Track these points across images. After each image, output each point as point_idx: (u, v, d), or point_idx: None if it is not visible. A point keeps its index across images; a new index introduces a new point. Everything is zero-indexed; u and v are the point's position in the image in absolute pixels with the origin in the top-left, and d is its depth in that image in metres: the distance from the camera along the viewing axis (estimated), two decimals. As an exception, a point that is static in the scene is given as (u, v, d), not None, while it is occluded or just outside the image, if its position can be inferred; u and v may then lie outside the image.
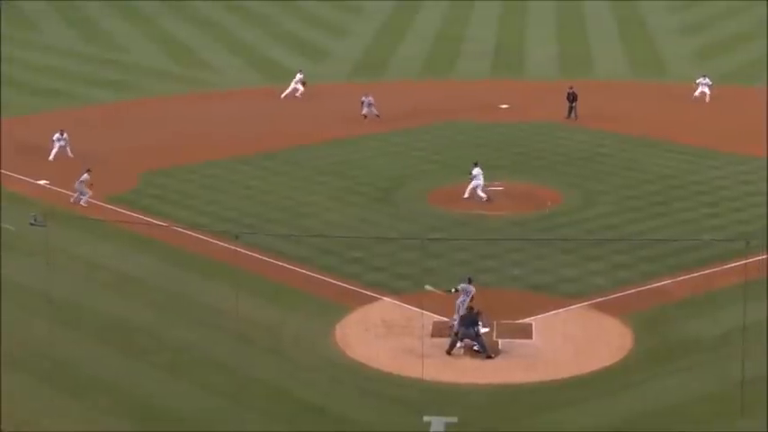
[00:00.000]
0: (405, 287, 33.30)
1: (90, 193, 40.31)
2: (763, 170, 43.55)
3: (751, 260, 30.93)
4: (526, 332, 30.29)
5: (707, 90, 53.53)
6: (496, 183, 42.71)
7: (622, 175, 43.26)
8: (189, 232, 37.48)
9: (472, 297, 29.90)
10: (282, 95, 56.68)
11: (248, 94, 58.73)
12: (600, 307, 31.67)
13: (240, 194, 42.23)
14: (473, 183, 40.47)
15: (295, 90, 56.77)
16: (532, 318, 31.02)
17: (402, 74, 63.55)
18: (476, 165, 40.88)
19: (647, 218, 38.63)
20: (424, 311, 30.49)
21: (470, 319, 28.80)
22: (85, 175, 40.43)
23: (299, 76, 57.36)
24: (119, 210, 39.66)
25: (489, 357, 28.53)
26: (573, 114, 51.14)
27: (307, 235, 36.68)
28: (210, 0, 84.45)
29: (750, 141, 47.32)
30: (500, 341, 29.78)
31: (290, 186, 43.30)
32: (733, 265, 32.64)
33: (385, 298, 32.64)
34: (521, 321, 30.83)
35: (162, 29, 76.14)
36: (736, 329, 26.96)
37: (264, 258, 35.44)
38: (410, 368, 28.09)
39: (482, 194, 40.18)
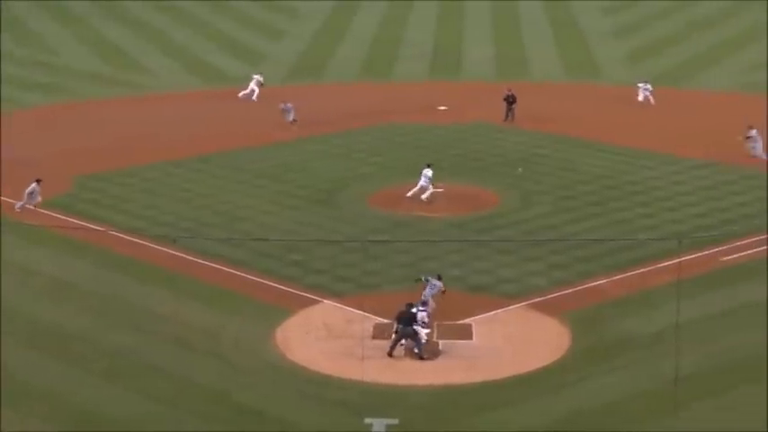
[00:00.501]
0: (345, 289, 33.39)
1: (38, 200, 39.36)
2: (695, 170, 44.54)
3: (683, 259, 31.62)
4: (466, 333, 30.58)
5: (649, 94, 54.04)
6: (437, 184, 43.01)
7: (559, 176, 43.90)
8: (126, 236, 37.12)
9: (444, 292, 30.48)
10: (240, 95, 56.12)
11: (183, 97, 58.30)
12: (538, 307, 32.11)
13: (177, 198, 41.93)
14: (421, 183, 40.43)
15: (252, 92, 56.26)
16: (472, 318, 31.32)
17: (340, 76, 63.61)
18: (428, 166, 40.79)
19: (584, 218, 39.26)
20: (365, 314, 30.62)
21: (409, 317, 28.87)
22: (34, 185, 39.43)
23: (256, 78, 56.83)
24: (53, 214, 39.11)
25: (422, 359, 28.63)
26: (510, 116, 51.66)
27: (246, 238, 36.56)
28: (142, 0, 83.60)
29: (682, 142, 48.35)
30: (440, 342, 30.01)
31: (228, 190, 43.09)
32: (666, 263, 33.35)
33: (326, 300, 32.69)
34: (461, 322, 31.09)
35: (93, 30, 75.15)
36: (670, 327, 27.56)
37: (203, 262, 35.25)
38: (351, 370, 28.19)
39: (424, 196, 40.36)
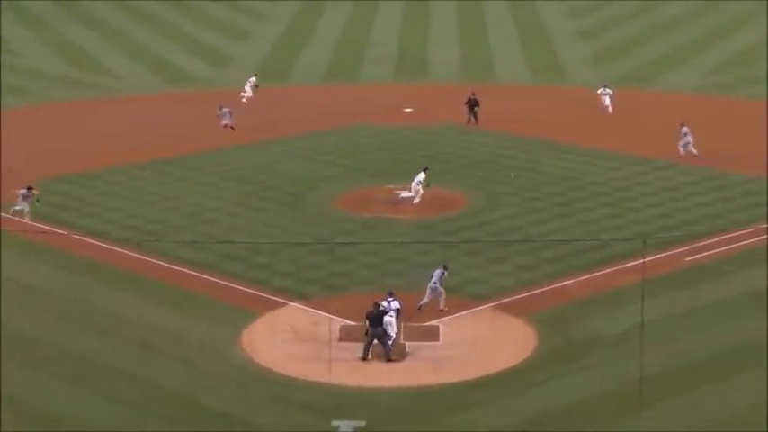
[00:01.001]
0: (312, 292, 33.37)
1: (26, 209, 38.45)
2: (659, 171, 45.00)
3: (648, 259, 31.93)
4: (433, 334, 30.65)
5: (608, 101, 53.51)
6: (402, 186, 43.11)
7: (525, 177, 44.17)
8: (90, 240, 36.87)
9: (442, 280, 30.96)
10: (243, 97, 55.77)
11: (148, 100, 58.00)
12: (505, 308, 32.29)
13: (142, 201, 41.71)
14: (415, 184, 40.18)
15: (246, 93, 55.96)
16: (439, 320, 31.41)
17: (306, 78, 63.59)
18: (424, 170, 40.57)
19: (550, 219, 39.54)
20: (331, 316, 30.63)
21: (377, 317, 28.89)
22: (24, 190, 38.70)
23: (252, 80, 56.41)
24: (16, 218, 38.73)
25: (390, 360, 28.68)
26: (473, 120, 51.69)
27: (211, 241, 36.45)
28: (106, 1, 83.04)
29: (646, 143, 48.81)
30: (407, 344, 30.06)
31: (193, 192, 42.92)
32: (631, 264, 33.67)
33: (292, 303, 32.64)
34: (428, 324, 31.16)
35: (56, 31, 74.53)
36: (635, 327, 27.83)
37: (168, 265, 35.08)
38: (318, 373, 28.18)
39: (413, 197, 39.96)
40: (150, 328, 30.61)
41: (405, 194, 40.54)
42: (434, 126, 52.24)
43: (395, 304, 29.86)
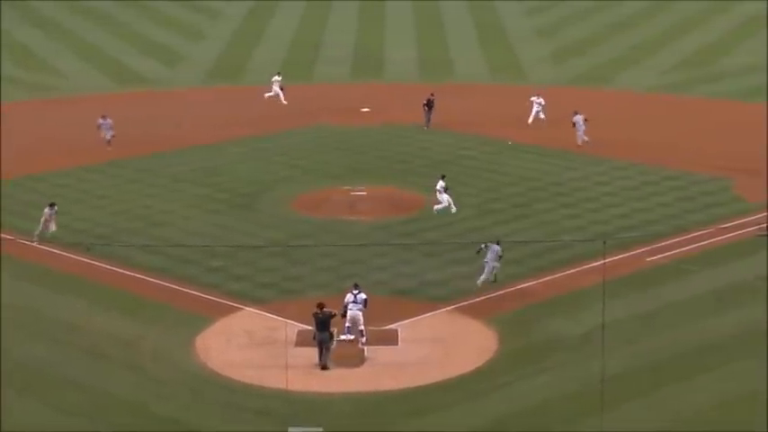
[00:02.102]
0: (268, 296, 33.10)
1: (52, 228, 35.92)
2: (618, 171, 45.25)
3: (609, 260, 32.04)
4: (392, 338, 30.52)
5: (541, 110, 50.11)
6: (360, 187, 42.97)
7: (485, 178, 44.19)
8: (37, 245, 36.22)
9: (500, 256, 32.53)
10: (266, 95, 55.17)
11: (97, 100, 57.29)
12: (465, 310, 32.23)
13: (92, 204, 41.17)
14: (439, 193, 39.23)
15: (277, 95, 55.25)
16: (398, 323, 31.29)
17: (260, 78, 63.23)
18: (442, 178, 39.69)
19: (510, 220, 39.58)
20: (287, 320, 30.36)
21: (322, 320, 28.62)
22: (47, 209, 36.25)
23: (276, 79, 55.73)
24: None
25: (324, 368, 28.41)
26: (426, 121, 51.27)
27: (164, 245, 36.05)
28: (56, 1, 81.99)
29: (605, 143, 49.07)
30: (366, 348, 29.89)
31: (145, 195, 42.47)
32: (592, 264, 33.77)
33: (247, 307, 32.34)
34: (386, 327, 31.02)
35: (2, 31, 73.38)
36: (597, 328, 27.89)
37: (119, 270, 34.64)
38: (274, 379, 27.92)
39: (447, 206, 39.18)
40: (101, 334, 30.16)
41: (438, 207, 39.31)
42: (392, 126, 52.14)
43: (361, 297, 29.81)
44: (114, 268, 34.70)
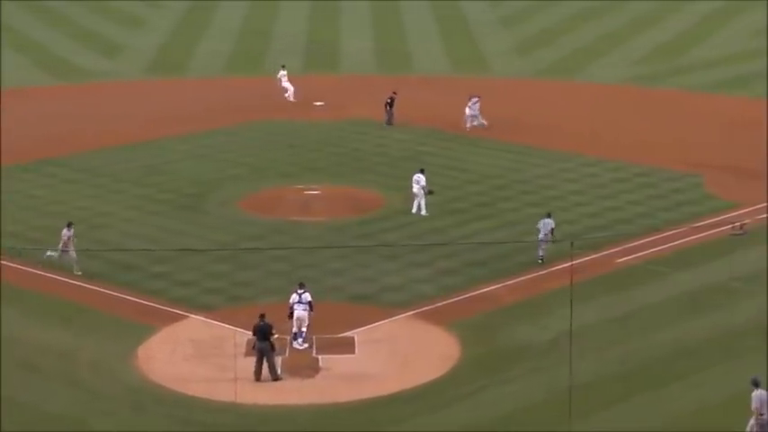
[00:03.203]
0: (215, 303, 32.98)
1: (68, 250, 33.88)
2: (587, 167, 45.64)
3: (576, 261, 32.29)
4: (348, 346, 30.50)
5: (477, 115, 49.26)
6: (313, 186, 42.94)
7: (446, 175, 44.34)
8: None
9: (552, 230, 34.58)
10: (289, 98, 54.20)
11: (32, 94, 56.67)
12: (426, 316, 32.32)
13: (24, 205, 40.76)
14: (414, 191, 39.32)
15: (285, 90, 54.50)
16: (354, 330, 31.28)
17: (205, 70, 62.98)
18: (421, 171, 39.74)
19: (473, 220, 39.76)
20: (236, 329, 30.25)
21: (263, 330, 28.48)
22: (66, 231, 34.16)
23: (283, 73, 54.92)
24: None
25: (277, 379, 28.34)
26: (388, 119, 51.22)
27: (103, 249, 35.76)
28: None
29: (573, 138, 49.49)
30: (320, 357, 29.85)
31: (82, 195, 42.17)
32: (560, 266, 34.02)
33: (193, 315, 32.21)
34: (342, 335, 31.00)
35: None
36: (565, 334, 28.08)
37: (55, 276, 34.32)
38: (222, 391, 27.81)
39: (423, 212, 39.36)
40: (34, 346, 29.81)
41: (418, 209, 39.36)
42: (348, 121, 52.15)
43: (306, 297, 29.93)
44: (49, 274, 34.34)
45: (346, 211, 40.77)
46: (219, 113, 53.50)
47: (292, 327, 30.06)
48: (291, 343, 30.10)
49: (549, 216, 35.58)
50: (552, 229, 35.22)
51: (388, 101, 50.96)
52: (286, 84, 55.00)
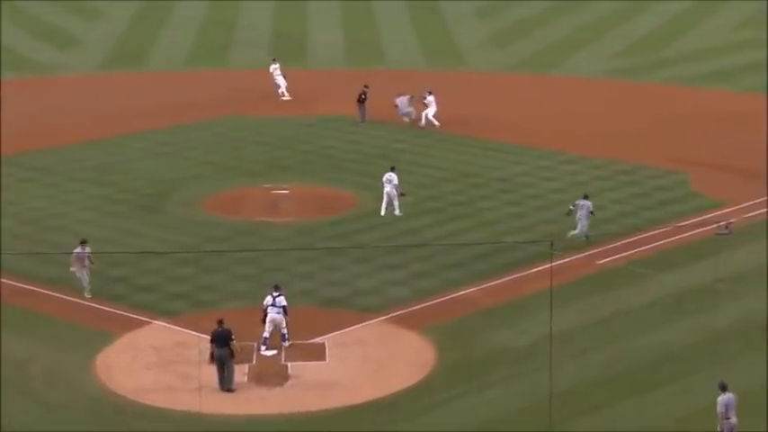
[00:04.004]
0: (178, 308, 32.90)
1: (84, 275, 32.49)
2: (567, 165, 45.86)
3: (556, 263, 32.43)
4: (318, 353, 30.50)
5: (431, 112, 49.26)
6: (281, 185, 42.91)
7: (421, 174, 44.42)
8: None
9: (591, 213, 36.37)
10: (283, 95, 53.86)
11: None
12: (400, 321, 32.37)
13: (-26, 206, 40.49)
14: (386, 191, 39.29)
15: (278, 86, 54.04)
16: (325, 336, 31.27)
17: (165, 63, 62.75)
18: (392, 170, 39.73)
19: (449, 220, 39.85)
20: (200, 335, 30.17)
21: (221, 336, 28.34)
22: (80, 249, 32.73)
23: (275, 66, 54.42)
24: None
25: (229, 390, 28.27)
26: (361, 116, 51.16)
27: (59, 252, 35.52)
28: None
29: (552, 134, 49.71)
30: (289, 364, 29.84)
31: (35, 196, 41.94)
32: (539, 268, 34.17)
33: (155, 321, 32.11)
34: (312, 341, 30.99)
35: None
36: (544, 338, 28.20)
37: (6, 281, 34.06)
38: (186, 401, 27.75)
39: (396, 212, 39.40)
40: (-14, 355, 29.60)
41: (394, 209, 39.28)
42: (318, 117, 52.14)
43: (280, 301, 30.10)
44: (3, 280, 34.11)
45: (316, 211, 40.75)
46: (182, 109, 53.36)
47: (263, 331, 30.01)
48: (260, 348, 30.02)
49: (585, 198, 37.05)
50: (591, 212, 36.73)
51: (361, 96, 50.94)
52: (279, 79, 54.54)
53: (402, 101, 49.86)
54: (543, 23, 72.20)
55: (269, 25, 71.77)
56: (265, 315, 30.10)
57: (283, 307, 30.05)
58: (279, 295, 30.16)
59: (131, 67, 61.65)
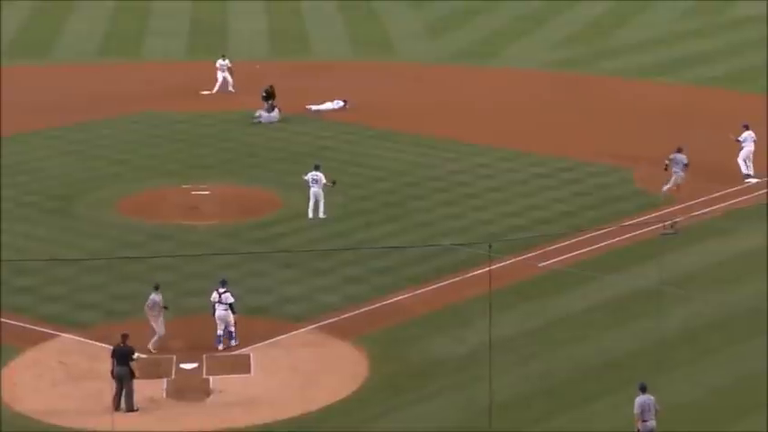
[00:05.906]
0: (90, 319, 32.66)
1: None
2: (504, 162, 46.23)
3: (495, 266, 32.70)
4: (242, 365, 30.48)
5: (227, 76, 52.84)
6: (201, 186, 42.75)
7: (350, 172, 44.51)
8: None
9: (686, 166, 40.20)
10: (215, 90, 53.54)
11: None
12: (330, 329, 32.45)
13: None
14: (313, 190, 39.24)
15: (225, 82, 53.62)
16: (250, 347, 31.27)
17: (72, 54, 62.11)
18: (316, 168, 39.72)
19: (380, 222, 40.00)
20: (114, 348, 29.88)
21: (122, 353, 28.21)
22: (154, 296, 30.72)
23: (221, 63, 54.06)
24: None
25: (132, 411, 28.07)
26: (274, 113, 50.87)
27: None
28: None
29: (489, 129, 50.08)
30: (211, 378, 29.78)
31: (-68, 199, 41.34)
32: (477, 272, 34.41)
33: (64, 334, 31.85)
34: (236, 353, 30.95)
35: None
36: (483, 347, 28.44)
37: None
38: (98, 420, 27.56)
39: (320, 213, 39.34)
40: None
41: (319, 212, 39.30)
42: (239, 113, 51.96)
43: (226, 297, 30.63)
44: None
45: (239, 213, 40.67)
46: (92, 103, 52.89)
47: (218, 330, 30.70)
48: (216, 346, 30.70)
49: (680, 151, 40.12)
50: (686, 164, 39.84)
51: (264, 94, 50.62)
52: (224, 75, 54.20)
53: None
54: (480, 12, 72.67)
55: (187, 13, 71.33)
56: (214, 311, 30.85)
57: (230, 305, 30.60)
58: (225, 292, 30.76)
59: (35, 58, 60.88)
